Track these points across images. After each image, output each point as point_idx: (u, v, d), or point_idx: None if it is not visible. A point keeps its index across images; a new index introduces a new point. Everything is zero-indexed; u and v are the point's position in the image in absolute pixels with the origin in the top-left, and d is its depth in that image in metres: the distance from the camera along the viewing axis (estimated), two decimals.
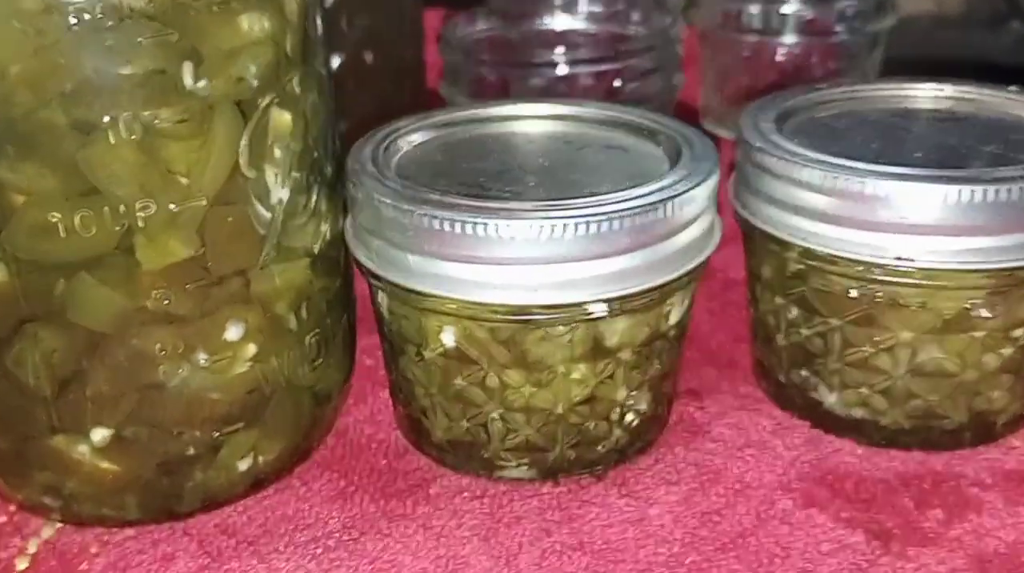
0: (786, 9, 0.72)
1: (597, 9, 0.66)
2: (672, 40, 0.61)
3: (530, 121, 0.45)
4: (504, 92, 0.60)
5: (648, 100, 0.60)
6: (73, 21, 0.31)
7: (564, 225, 0.35)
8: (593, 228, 0.36)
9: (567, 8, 0.66)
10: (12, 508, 0.40)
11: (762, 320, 0.44)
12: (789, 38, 0.72)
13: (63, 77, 0.31)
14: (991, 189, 0.37)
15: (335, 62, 0.62)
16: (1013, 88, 0.46)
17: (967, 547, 0.36)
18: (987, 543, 0.36)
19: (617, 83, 0.58)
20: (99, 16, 0.31)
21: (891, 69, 0.75)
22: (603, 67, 0.58)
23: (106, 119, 0.32)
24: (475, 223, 0.36)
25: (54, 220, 0.33)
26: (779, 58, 0.73)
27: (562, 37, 0.65)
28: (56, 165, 0.32)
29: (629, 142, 0.43)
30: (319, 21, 0.39)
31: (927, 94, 0.47)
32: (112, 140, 0.32)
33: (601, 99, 0.58)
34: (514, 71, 0.59)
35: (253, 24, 0.35)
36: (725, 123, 0.76)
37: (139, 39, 0.32)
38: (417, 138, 0.43)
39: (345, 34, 0.62)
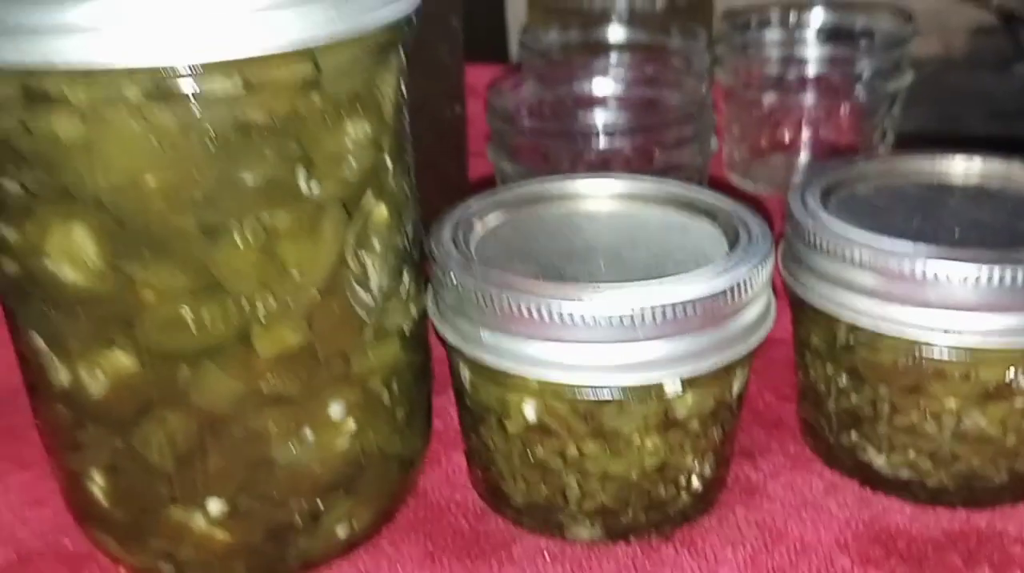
0: (807, 70, 0.75)
1: (629, 73, 0.69)
2: (707, 106, 0.63)
3: (591, 200, 0.48)
4: (544, 159, 0.62)
5: (682, 167, 0.62)
6: (207, 139, 0.34)
7: (642, 310, 0.39)
8: (669, 313, 0.39)
9: (600, 71, 0.68)
10: (121, 570, 0.43)
11: (812, 385, 0.47)
12: (809, 97, 0.76)
13: (195, 187, 0.34)
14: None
15: None
16: None
17: None
18: None
19: (656, 152, 0.61)
20: (228, 132, 0.34)
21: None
22: (641, 138, 0.61)
23: (232, 222, 0.35)
24: (558, 308, 0.39)
25: (183, 315, 0.36)
26: (800, 116, 0.77)
27: (599, 103, 0.67)
28: (186, 265, 0.35)
29: (685, 220, 0.46)
30: (406, 114, 0.42)
31: (957, 168, 0.50)
32: (238, 242, 0.35)
33: (637, 166, 0.61)
34: (553, 141, 0.62)
35: (357, 130, 0.38)
36: (750, 175, 0.80)
37: (262, 150, 0.35)
38: (492, 219, 0.46)
39: None
